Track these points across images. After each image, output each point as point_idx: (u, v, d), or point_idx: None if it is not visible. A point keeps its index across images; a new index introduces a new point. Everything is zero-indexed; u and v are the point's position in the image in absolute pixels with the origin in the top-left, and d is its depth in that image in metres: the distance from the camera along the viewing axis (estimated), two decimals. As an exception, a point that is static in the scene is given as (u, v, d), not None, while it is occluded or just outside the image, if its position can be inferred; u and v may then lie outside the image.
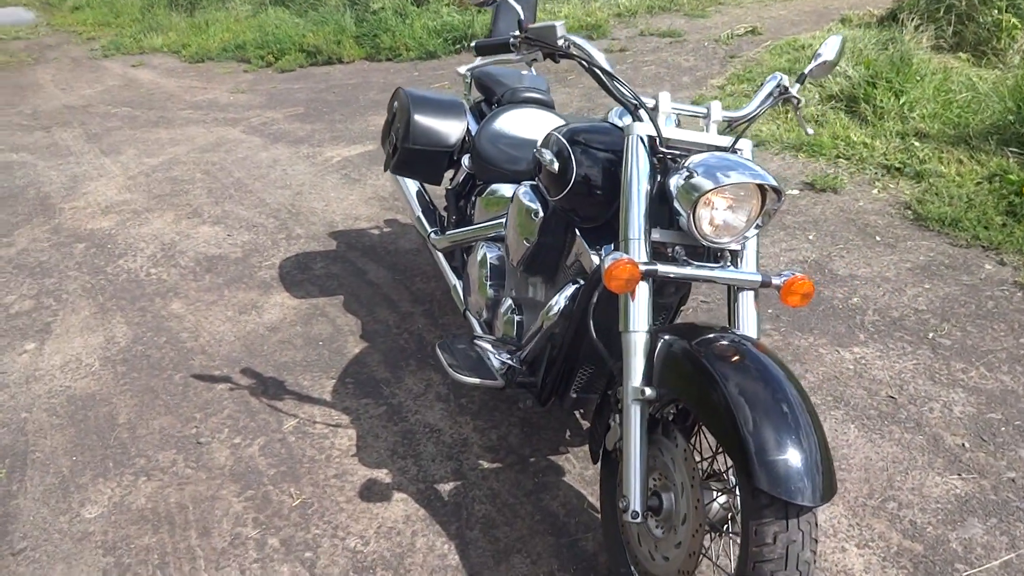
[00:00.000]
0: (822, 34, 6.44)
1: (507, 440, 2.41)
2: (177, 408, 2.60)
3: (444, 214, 3.02)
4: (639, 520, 1.61)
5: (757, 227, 1.73)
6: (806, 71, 2.01)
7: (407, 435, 2.44)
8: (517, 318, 2.24)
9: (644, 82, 5.99)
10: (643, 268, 1.63)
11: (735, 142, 1.81)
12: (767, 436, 1.41)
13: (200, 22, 9.02)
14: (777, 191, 1.66)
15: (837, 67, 5.40)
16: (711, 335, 1.64)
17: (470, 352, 2.25)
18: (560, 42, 1.80)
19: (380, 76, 6.90)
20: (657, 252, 1.75)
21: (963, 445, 2.31)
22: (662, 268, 1.67)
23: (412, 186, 3.18)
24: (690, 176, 1.64)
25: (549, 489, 2.20)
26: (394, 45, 7.40)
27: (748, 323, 1.77)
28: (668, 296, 1.93)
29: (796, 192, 4.01)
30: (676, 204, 1.66)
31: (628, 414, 1.66)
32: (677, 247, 1.74)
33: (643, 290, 1.69)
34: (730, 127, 1.90)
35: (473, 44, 2.07)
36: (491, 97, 2.93)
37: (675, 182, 1.68)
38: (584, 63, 1.79)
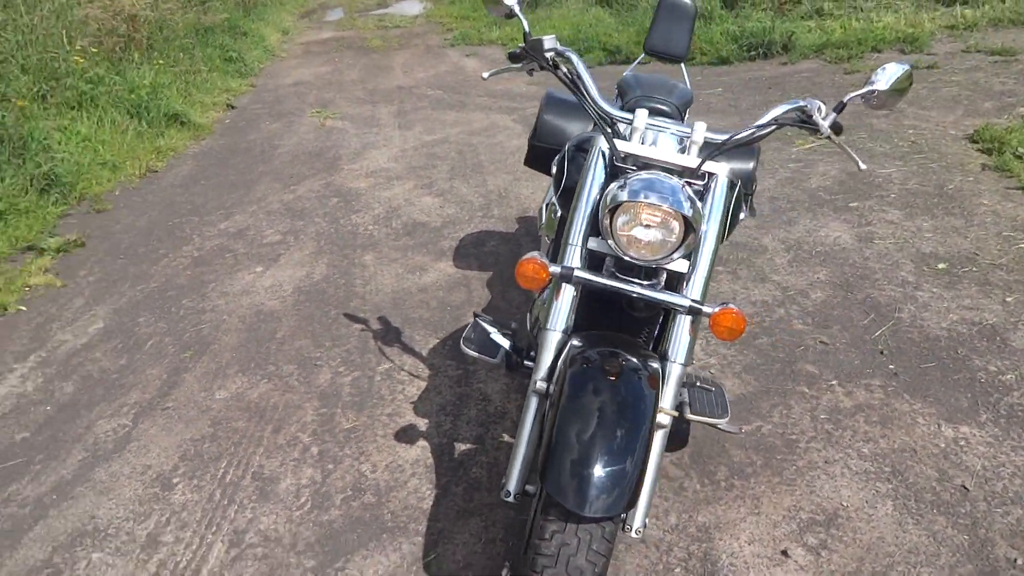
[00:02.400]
0: None
1: (540, 423, 2.59)
2: (317, 335, 3.20)
3: None
4: (510, 499, 1.75)
5: (682, 254, 1.71)
6: (845, 99, 1.88)
7: (462, 398, 2.74)
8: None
9: (932, 103, 5.35)
10: (554, 270, 1.75)
11: (701, 164, 1.79)
12: (576, 446, 1.49)
13: (533, 19, 9.90)
14: (693, 224, 1.65)
15: None
16: (608, 349, 1.70)
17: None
18: (548, 55, 1.94)
19: (663, 78, 7.05)
20: (598, 261, 1.83)
21: (1016, 561, 1.96)
22: (579, 274, 1.76)
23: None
24: (620, 188, 1.70)
25: (542, 472, 2.36)
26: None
27: (677, 347, 1.77)
28: (640, 310, 1.97)
29: (1030, 247, 3.42)
30: (599, 212, 1.73)
31: (526, 403, 1.79)
32: (608, 258, 1.80)
33: (566, 292, 1.80)
34: (718, 150, 1.86)
35: (508, 53, 2.27)
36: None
37: (607, 192, 1.74)
38: (562, 76, 1.92)
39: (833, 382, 2.68)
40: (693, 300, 1.75)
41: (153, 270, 3.92)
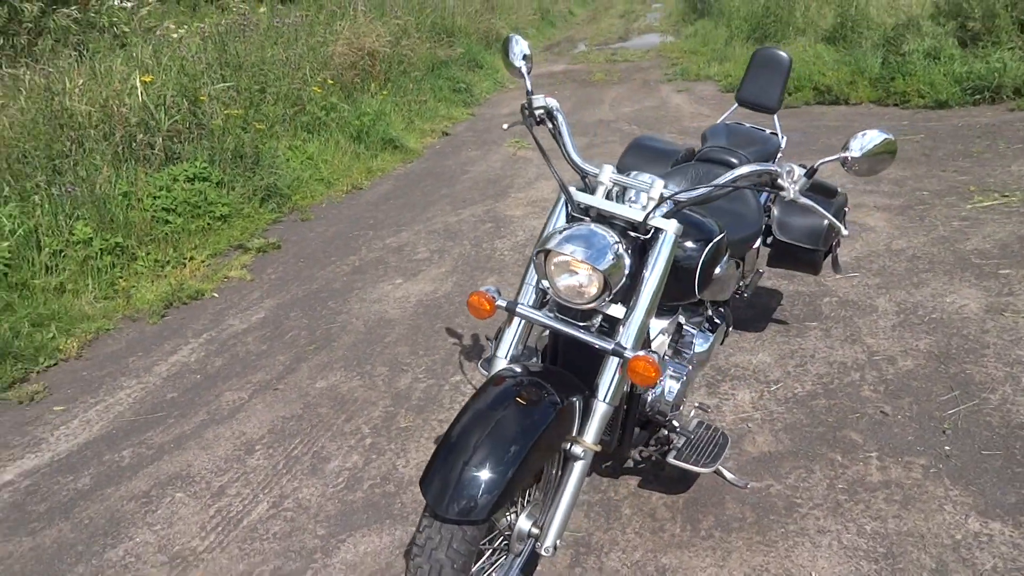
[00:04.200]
0: None
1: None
2: (416, 344, 3.61)
3: None
4: None
5: (607, 301, 1.85)
6: (816, 164, 1.89)
7: (507, 415, 2.98)
8: None
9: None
10: (500, 304, 1.97)
11: (645, 218, 1.90)
12: (454, 453, 1.70)
13: (758, 54, 9.71)
14: (608, 278, 1.78)
15: None
16: (536, 380, 1.88)
17: None
18: (538, 112, 2.16)
19: (865, 121, 6.67)
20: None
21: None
22: (520, 309, 1.97)
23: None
24: (556, 235, 1.88)
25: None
26: (905, 90, 6.96)
27: (605, 386, 1.90)
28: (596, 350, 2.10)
29: None
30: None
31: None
32: (551, 299, 1.98)
33: (513, 325, 2.02)
34: (676, 206, 1.96)
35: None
36: (704, 151, 3.11)
37: (544, 237, 1.92)
38: (534, 133, 2.13)
39: (872, 454, 2.55)
40: (617, 344, 1.87)
41: (319, 273, 4.59)
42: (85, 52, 6.60)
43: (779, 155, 3.23)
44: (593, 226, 1.90)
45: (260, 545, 2.43)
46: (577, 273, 1.85)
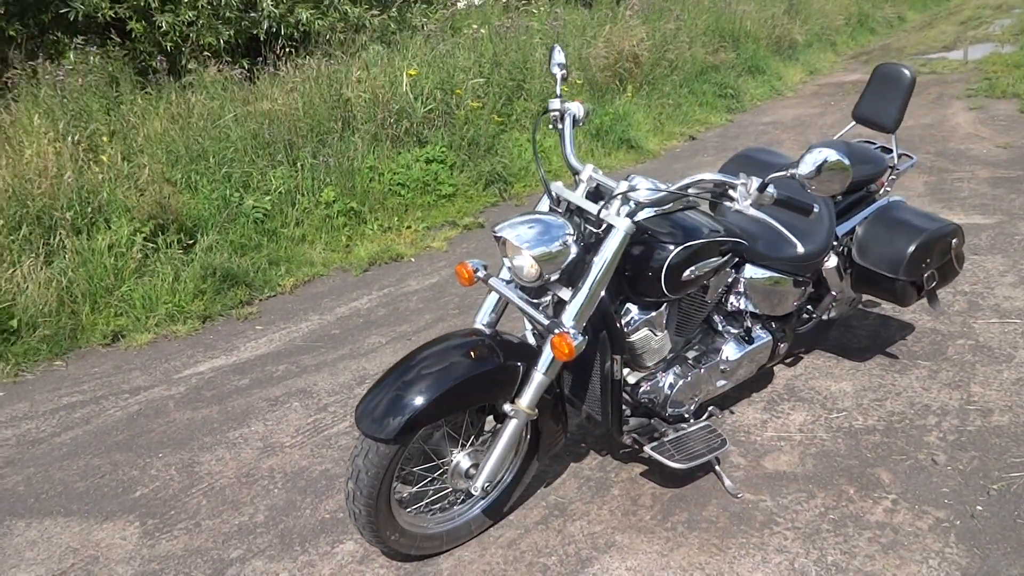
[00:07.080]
0: None
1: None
2: (536, 322, 3.95)
3: None
4: None
5: (549, 282, 2.08)
6: (766, 179, 1.94)
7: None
8: None
9: None
10: (479, 275, 2.28)
11: (598, 213, 2.07)
12: (392, 383, 2.07)
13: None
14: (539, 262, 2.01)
15: None
16: (482, 340, 2.18)
17: None
18: (553, 114, 2.39)
19: None
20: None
21: None
22: (492, 282, 2.26)
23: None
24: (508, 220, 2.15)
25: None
26: None
27: (543, 357, 2.12)
28: None
29: None
30: None
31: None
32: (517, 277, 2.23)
33: (492, 296, 2.31)
34: (636, 205, 2.09)
35: None
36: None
37: None
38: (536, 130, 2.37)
39: (891, 496, 2.39)
40: (553, 321, 2.08)
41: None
42: (393, 48, 7.78)
43: (888, 176, 3.03)
44: (546, 216, 2.13)
45: (326, 452, 3.00)
46: (522, 255, 2.10)
